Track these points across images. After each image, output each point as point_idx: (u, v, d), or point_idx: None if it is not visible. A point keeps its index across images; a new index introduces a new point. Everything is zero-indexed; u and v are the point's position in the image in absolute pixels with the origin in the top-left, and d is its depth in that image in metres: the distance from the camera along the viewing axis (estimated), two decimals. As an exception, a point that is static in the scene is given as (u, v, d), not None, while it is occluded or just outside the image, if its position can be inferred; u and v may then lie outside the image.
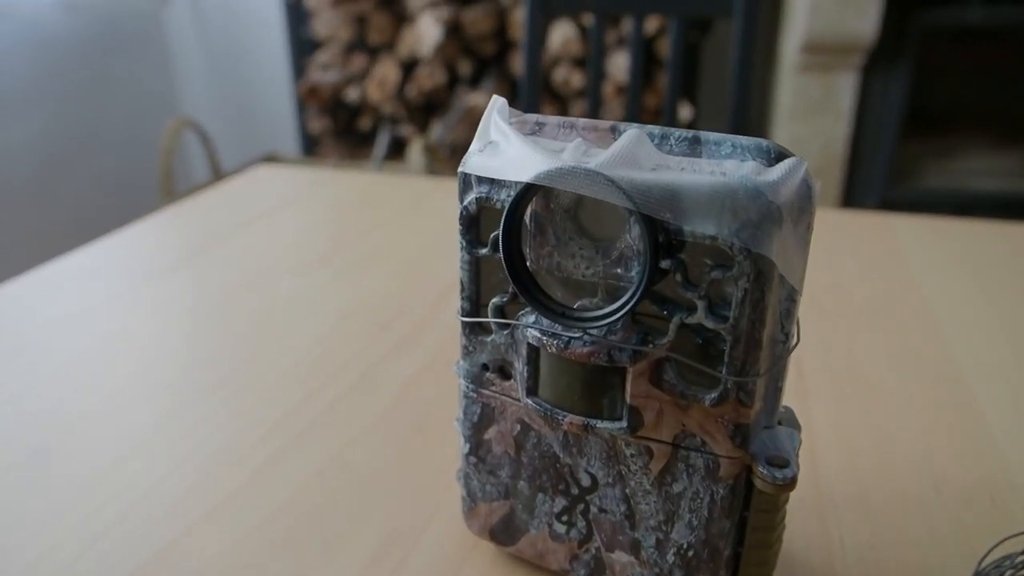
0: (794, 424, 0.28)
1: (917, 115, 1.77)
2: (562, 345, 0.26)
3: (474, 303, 0.29)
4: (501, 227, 0.26)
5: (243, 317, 0.55)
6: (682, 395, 0.26)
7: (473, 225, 0.27)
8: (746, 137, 0.26)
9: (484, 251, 0.27)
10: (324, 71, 1.93)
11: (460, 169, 0.27)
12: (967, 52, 1.89)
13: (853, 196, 1.81)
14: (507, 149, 0.26)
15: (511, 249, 0.26)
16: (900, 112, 1.72)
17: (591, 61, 1.21)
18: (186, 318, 0.55)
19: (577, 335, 0.26)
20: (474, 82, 1.91)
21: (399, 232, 0.69)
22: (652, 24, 1.72)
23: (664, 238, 0.24)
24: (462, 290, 0.29)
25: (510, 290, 0.28)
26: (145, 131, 2.12)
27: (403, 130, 1.93)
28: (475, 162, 0.26)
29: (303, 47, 2.02)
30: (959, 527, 0.35)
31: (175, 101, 2.26)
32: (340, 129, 2.03)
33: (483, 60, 1.91)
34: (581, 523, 0.30)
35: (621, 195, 0.23)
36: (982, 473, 0.38)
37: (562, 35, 1.76)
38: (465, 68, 1.88)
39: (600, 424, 0.27)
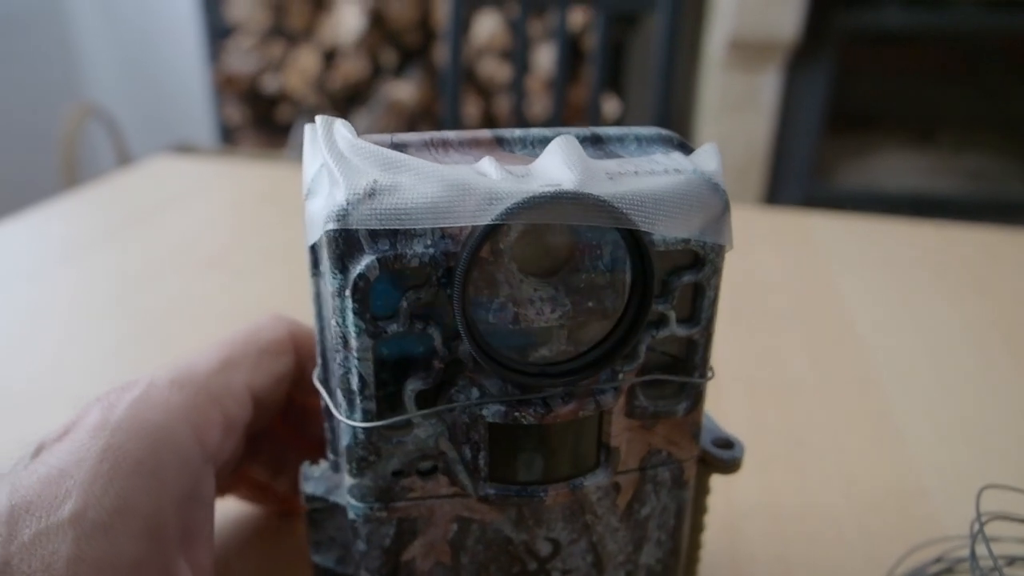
0: None
1: (838, 114, 1.80)
2: (541, 411, 0.21)
3: (382, 400, 0.22)
4: (456, 288, 0.20)
5: (128, 320, 0.51)
6: (653, 415, 0.24)
7: (366, 299, 0.20)
8: (642, 128, 0.24)
9: (395, 328, 0.20)
10: (241, 58, 1.86)
11: (333, 227, 0.19)
12: (886, 54, 1.93)
13: (775, 193, 1.83)
14: (415, 183, 0.19)
15: (466, 312, 0.20)
16: (822, 111, 1.74)
17: (516, 54, 1.19)
18: (63, 322, 0.50)
19: (553, 393, 0.22)
20: (398, 73, 1.87)
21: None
22: (578, 19, 1.70)
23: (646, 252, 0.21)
24: (359, 391, 0.21)
25: (436, 367, 0.21)
26: (45, 118, 2.01)
27: (325, 121, 1.88)
28: (364, 211, 0.19)
29: (217, 32, 1.94)
30: (869, 535, 0.34)
31: (78, 87, 2.15)
32: (258, 119, 1.96)
33: (407, 51, 1.87)
34: None
35: (613, 218, 0.20)
36: (892, 479, 0.37)
37: (489, 27, 1.73)
38: (389, 58, 1.83)
39: (586, 482, 0.23)
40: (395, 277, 0.20)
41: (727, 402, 0.42)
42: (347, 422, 0.22)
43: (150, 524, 0.22)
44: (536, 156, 0.23)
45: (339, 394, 0.22)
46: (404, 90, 1.81)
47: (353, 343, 0.20)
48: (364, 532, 0.23)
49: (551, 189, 0.19)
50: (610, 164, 0.21)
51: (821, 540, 0.33)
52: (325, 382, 0.24)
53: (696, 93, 1.84)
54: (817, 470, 0.38)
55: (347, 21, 1.77)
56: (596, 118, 1.36)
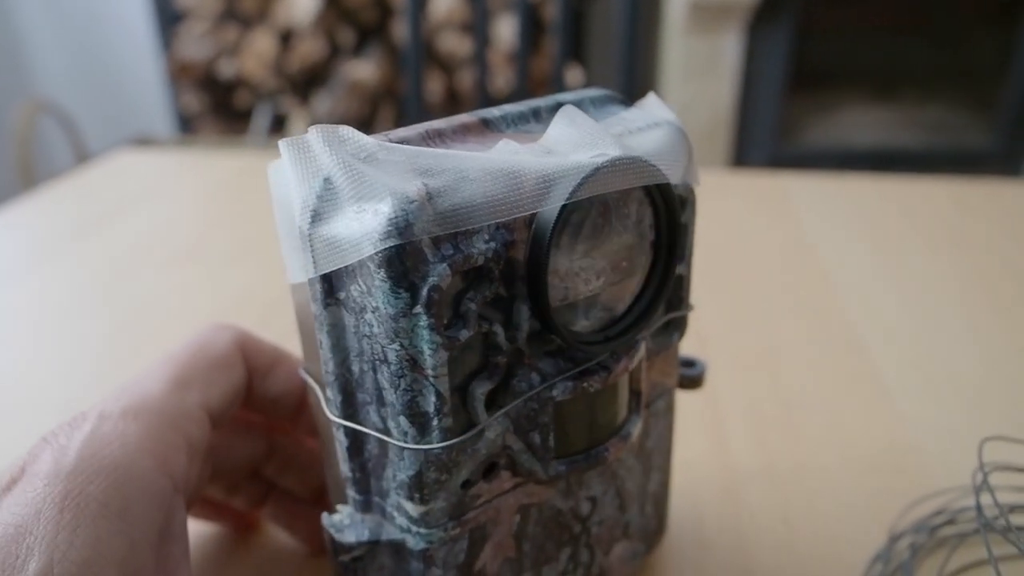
0: None
1: (799, 73, 1.81)
2: (604, 374, 0.22)
3: (456, 412, 0.20)
4: (537, 274, 0.19)
5: (105, 321, 0.49)
6: (654, 352, 0.25)
7: (441, 312, 0.18)
8: (588, 90, 0.25)
9: (465, 334, 0.19)
10: (194, 44, 1.82)
11: (394, 242, 0.17)
12: (844, 10, 1.94)
13: (742, 155, 1.84)
14: (463, 179, 0.18)
15: (548, 298, 0.20)
16: (784, 71, 1.75)
17: (477, 27, 1.17)
18: (37, 323, 0.49)
19: (605, 356, 0.22)
20: (356, 52, 1.84)
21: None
22: (537, -12, 1.69)
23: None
24: (435, 411, 0.19)
25: (500, 363, 0.20)
26: (-1, 116, 1.95)
27: (284, 104, 1.85)
28: (426, 218, 0.17)
29: (168, 18, 1.90)
30: (867, 492, 0.34)
31: (27, 82, 2.10)
32: (217, 105, 1.92)
33: (364, 29, 1.84)
34: (585, 556, 0.26)
35: (654, 176, 0.21)
36: (884, 436, 0.37)
37: (447, 1, 1.71)
38: (346, 38, 1.80)
39: (632, 429, 0.24)
40: (458, 281, 0.19)
41: (716, 366, 0.42)
42: (420, 447, 0.20)
43: (125, 571, 0.20)
44: (525, 132, 0.23)
45: (402, 422, 0.20)
46: (364, 69, 1.78)
47: (428, 362, 0.19)
48: (440, 557, 0.22)
49: (605, 158, 0.19)
50: (601, 126, 0.22)
51: (820, 500, 0.33)
52: (350, 417, 0.21)
53: (658, 59, 1.84)
54: (810, 432, 0.38)
55: (301, 2, 1.74)
56: (560, 88, 1.35)
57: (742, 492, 0.34)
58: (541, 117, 0.24)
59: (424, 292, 0.18)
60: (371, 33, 1.84)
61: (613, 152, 0.20)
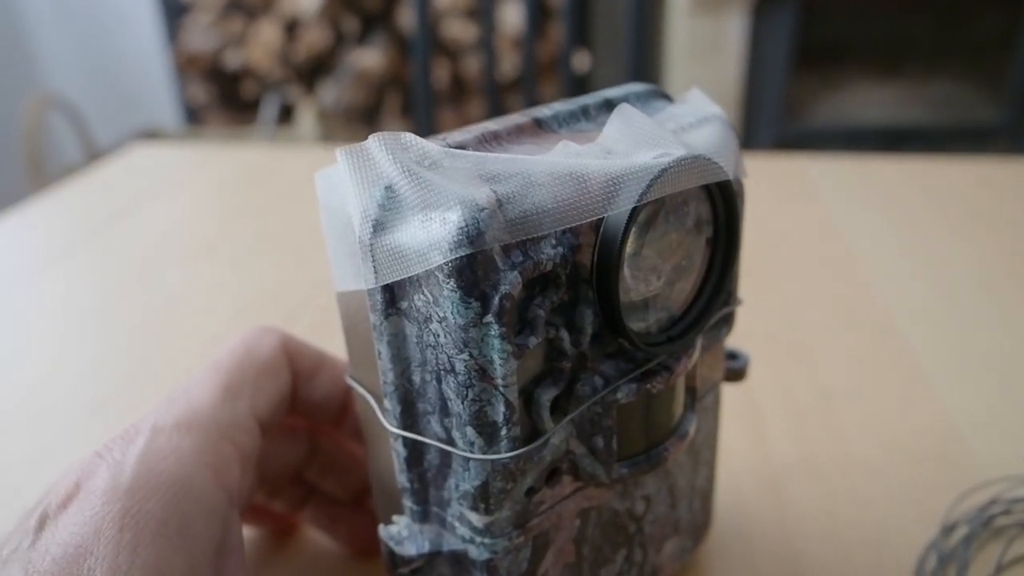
0: None
1: (805, 51, 1.79)
2: (667, 375, 0.22)
3: (521, 419, 0.20)
4: (596, 274, 0.19)
5: (130, 318, 0.49)
6: (706, 347, 0.25)
7: (512, 320, 0.18)
8: (632, 85, 0.25)
9: (534, 341, 0.19)
10: (200, 35, 1.81)
11: (466, 251, 0.17)
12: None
13: (749, 135, 1.83)
14: (529, 184, 0.18)
15: (612, 302, 0.19)
16: (789, 49, 1.73)
17: (483, 12, 1.16)
18: (61, 323, 0.49)
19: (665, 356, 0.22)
20: (361, 40, 1.83)
21: (295, 211, 0.64)
22: (542, -29, 1.67)
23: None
24: (504, 421, 0.19)
25: (565, 368, 0.20)
26: (3, 112, 1.95)
27: (290, 94, 1.84)
28: (497, 226, 0.17)
29: (174, 10, 1.89)
30: (912, 483, 0.34)
31: (35, 77, 2.09)
32: (223, 96, 1.92)
33: (369, 17, 1.82)
34: (638, 555, 0.26)
35: (717, 174, 0.20)
36: (924, 424, 0.37)
37: (450, -14, 1.70)
38: (351, 25, 1.79)
39: (689, 426, 0.24)
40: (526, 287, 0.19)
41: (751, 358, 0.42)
42: (488, 458, 0.19)
43: None
44: (579, 132, 0.22)
45: (468, 432, 0.19)
46: (370, 57, 1.77)
47: (498, 371, 0.18)
48: (504, 566, 0.21)
49: (670, 158, 0.19)
50: (652, 124, 0.21)
51: (864, 491, 0.33)
52: (410, 427, 0.21)
53: (663, 41, 1.83)
54: (849, 421, 0.38)
55: (306, -10, 1.73)
56: (568, 72, 1.34)
57: (784, 484, 0.34)
58: (591, 115, 0.23)
59: (496, 301, 0.18)
60: (376, 21, 1.83)
61: (677, 151, 0.20)
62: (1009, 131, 1.84)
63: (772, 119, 1.81)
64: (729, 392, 0.39)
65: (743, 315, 0.46)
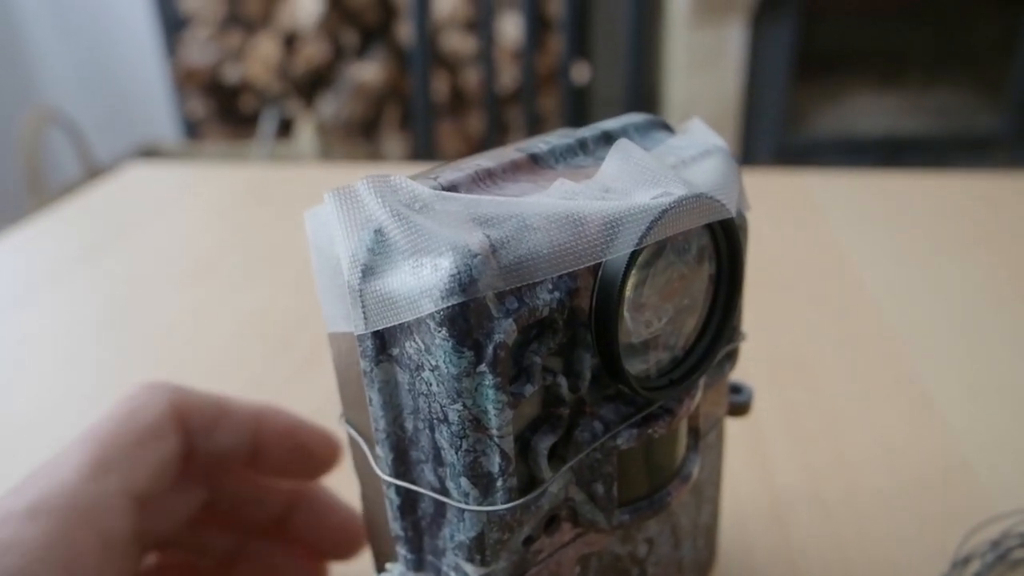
0: None
1: (804, 61, 1.79)
2: (668, 419, 0.21)
3: (517, 467, 0.19)
4: (595, 319, 0.18)
5: (126, 340, 0.49)
6: (709, 385, 0.25)
7: (507, 369, 0.18)
8: (629, 116, 0.24)
9: (530, 389, 0.18)
10: (199, 50, 1.81)
11: (458, 300, 0.16)
12: (849, -4, 1.92)
13: (750, 147, 1.82)
14: (524, 228, 0.17)
15: (612, 348, 0.19)
16: (789, 60, 1.73)
17: (482, 24, 1.16)
18: (57, 346, 0.48)
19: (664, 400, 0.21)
20: (360, 54, 1.83)
21: (295, 230, 0.63)
22: (540, -16, 1.67)
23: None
24: (500, 471, 0.18)
25: (563, 415, 0.20)
26: (2, 127, 1.95)
27: (290, 108, 1.84)
28: (491, 273, 0.17)
29: (172, 25, 1.89)
30: (921, 516, 0.33)
31: (33, 92, 2.09)
32: (222, 110, 1.91)
33: (368, 30, 1.82)
34: None
35: (718, 212, 0.20)
36: (932, 452, 0.37)
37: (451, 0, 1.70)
38: (350, 39, 1.79)
39: (692, 468, 0.23)
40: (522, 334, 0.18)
41: (755, 383, 0.41)
42: (484, 509, 0.19)
43: None
44: (577, 168, 0.22)
45: (463, 483, 0.19)
46: (369, 71, 1.77)
47: (492, 422, 0.18)
48: None
49: (671, 198, 0.18)
50: (652, 157, 0.21)
51: (873, 524, 0.33)
52: (403, 475, 0.20)
53: (663, 52, 1.82)
54: (856, 451, 0.37)
55: (305, 4, 1.73)
56: (567, 84, 1.34)
57: (790, 517, 0.33)
58: (589, 149, 0.23)
59: (489, 350, 0.17)
60: (375, 34, 1.83)
61: (677, 191, 0.19)
62: (1009, 140, 1.83)
63: (772, 129, 1.81)
64: (733, 420, 0.38)
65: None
